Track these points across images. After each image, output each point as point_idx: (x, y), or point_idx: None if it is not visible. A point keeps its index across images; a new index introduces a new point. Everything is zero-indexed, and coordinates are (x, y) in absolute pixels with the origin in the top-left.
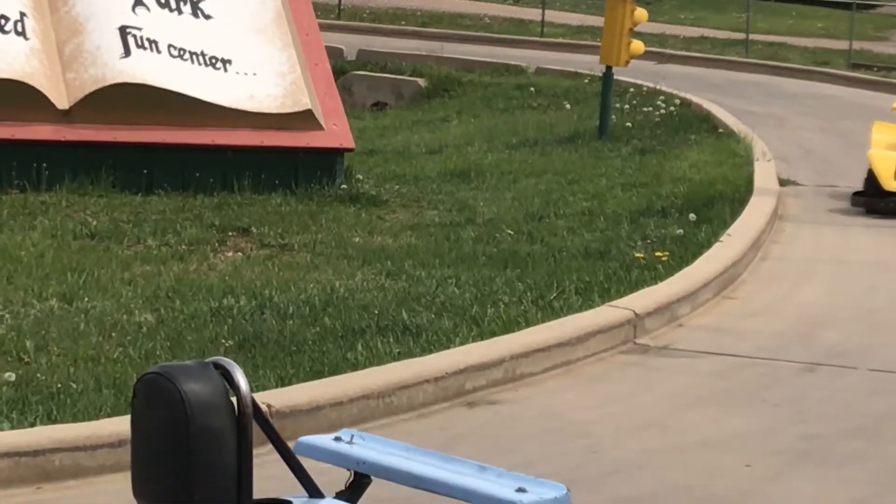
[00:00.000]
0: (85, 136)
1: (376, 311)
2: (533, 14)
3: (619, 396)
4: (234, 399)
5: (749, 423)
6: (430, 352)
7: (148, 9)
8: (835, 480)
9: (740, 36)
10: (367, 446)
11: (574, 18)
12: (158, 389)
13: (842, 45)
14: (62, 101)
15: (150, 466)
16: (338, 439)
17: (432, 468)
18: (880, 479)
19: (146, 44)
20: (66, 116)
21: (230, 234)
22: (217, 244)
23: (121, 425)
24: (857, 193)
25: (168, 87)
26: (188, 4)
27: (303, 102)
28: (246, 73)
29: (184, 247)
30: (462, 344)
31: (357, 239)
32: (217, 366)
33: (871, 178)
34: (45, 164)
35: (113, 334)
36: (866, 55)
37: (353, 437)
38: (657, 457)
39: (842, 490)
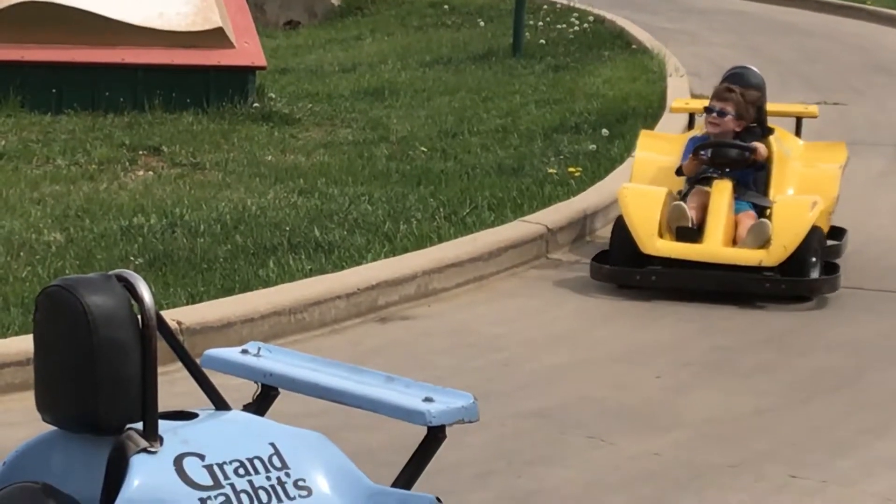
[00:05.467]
0: None
1: (288, 229)
2: None
3: (531, 311)
4: (138, 312)
5: (659, 337)
6: (343, 268)
7: None
8: (742, 391)
9: None
10: (274, 358)
11: None
12: (60, 302)
13: None
14: None
15: (53, 380)
16: (244, 352)
17: (339, 380)
18: (785, 389)
19: None
20: None
21: (141, 153)
22: (127, 163)
23: (28, 343)
24: (598, 258)
25: (76, 6)
26: None
27: (213, 20)
28: None
29: (94, 166)
30: (374, 260)
31: (269, 157)
32: (120, 278)
33: (622, 235)
34: None
35: (21, 254)
36: None
37: (259, 349)
38: (569, 370)
39: (748, 400)
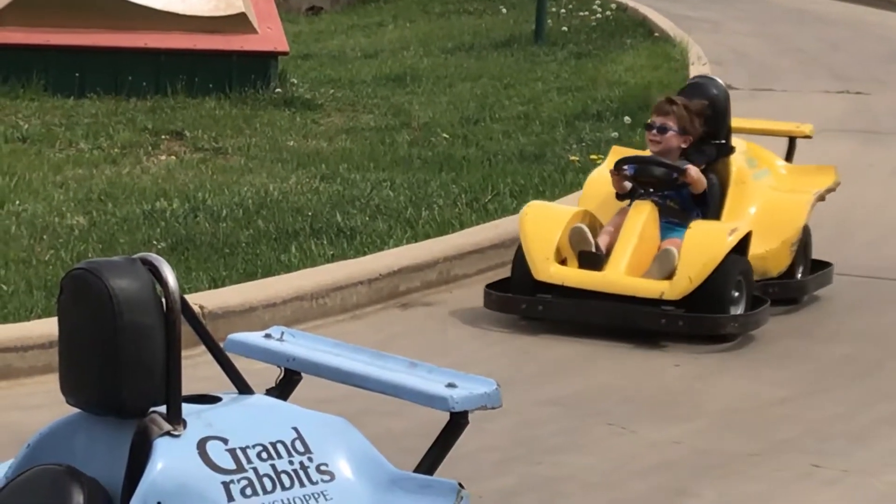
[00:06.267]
0: (15, 39)
1: (310, 214)
2: None
3: None
4: (162, 296)
5: None
6: (364, 254)
7: None
8: (762, 380)
9: None
10: (297, 343)
11: None
12: (85, 285)
13: None
14: None
15: (77, 363)
16: (268, 336)
17: (363, 365)
18: (806, 379)
19: None
20: None
21: (163, 137)
22: (150, 147)
23: (51, 326)
24: (493, 285)
25: None
26: None
27: (236, 5)
28: None
29: (116, 150)
30: (396, 246)
31: (291, 143)
32: (145, 261)
33: (521, 258)
34: None
35: (44, 237)
36: None
37: (283, 334)
38: (589, 358)
39: (769, 389)
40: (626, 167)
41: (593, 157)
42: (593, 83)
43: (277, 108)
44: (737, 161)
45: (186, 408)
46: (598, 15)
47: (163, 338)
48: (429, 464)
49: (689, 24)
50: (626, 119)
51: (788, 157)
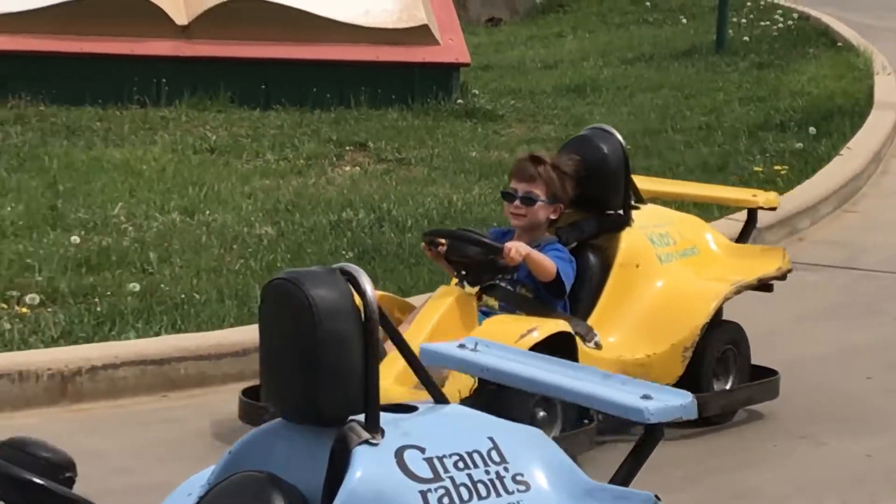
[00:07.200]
0: (203, 52)
1: (494, 225)
2: None
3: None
4: (360, 305)
5: (870, 336)
6: None
7: None
8: None
9: None
10: (491, 353)
11: None
12: (285, 295)
13: None
14: (181, 17)
15: (277, 371)
16: (462, 346)
17: (556, 375)
18: None
19: None
20: (185, 32)
21: (347, 148)
22: (335, 158)
23: (244, 335)
24: (252, 389)
25: (285, 3)
26: None
27: (418, 17)
28: None
29: (302, 161)
30: None
31: (473, 153)
32: (343, 272)
33: None
34: (164, 80)
35: (234, 246)
36: None
37: (476, 344)
38: (779, 369)
39: None
40: (439, 241)
41: (778, 167)
42: (775, 93)
43: (459, 119)
44: (631, 237)
45: (384, 416)
46: (780, 24)
47: (361, 347)
48: (624, 475)
49: (873, 34)
50: (811, 130)
51: (742, 236)
